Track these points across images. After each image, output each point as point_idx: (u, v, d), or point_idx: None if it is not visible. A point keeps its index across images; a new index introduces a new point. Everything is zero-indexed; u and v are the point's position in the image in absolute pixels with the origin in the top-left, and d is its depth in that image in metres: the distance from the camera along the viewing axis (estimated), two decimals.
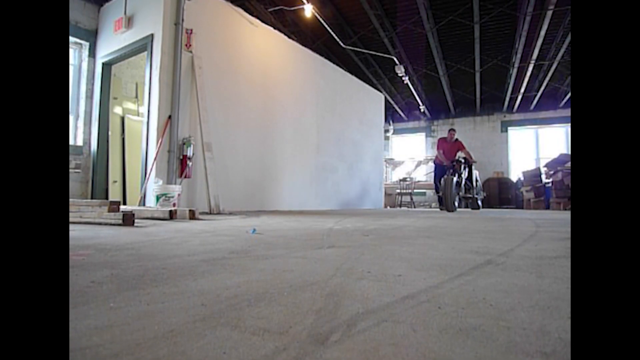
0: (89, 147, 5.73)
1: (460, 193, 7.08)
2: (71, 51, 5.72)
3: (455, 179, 6.54)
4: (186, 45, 5.03)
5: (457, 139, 7.50)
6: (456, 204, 6.62)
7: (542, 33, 7.44)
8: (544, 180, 10.46)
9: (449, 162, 6.98)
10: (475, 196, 7.88)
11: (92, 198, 5.50)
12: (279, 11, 7.65)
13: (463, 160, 7.27)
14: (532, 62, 8.74)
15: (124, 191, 5.83)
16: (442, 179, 6.53)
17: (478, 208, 8.26)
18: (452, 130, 7.59)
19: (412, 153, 14.23)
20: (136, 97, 6.49)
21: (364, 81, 9.98)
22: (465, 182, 7.39)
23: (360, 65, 9.97)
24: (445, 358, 0.50)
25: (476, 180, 8.16)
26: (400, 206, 11.34)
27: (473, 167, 7.82)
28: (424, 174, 12.93)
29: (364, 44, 9.23)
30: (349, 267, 1.14)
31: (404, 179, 11.56)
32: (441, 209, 7.32)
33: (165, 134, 4.70)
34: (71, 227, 2.42)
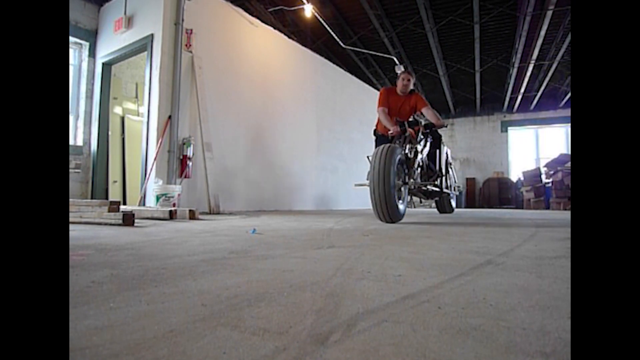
0: (89, 147, 5.73)
1: (412, 180, 3.56)
2: (71, 51, 5.71)
3: (399, 151, 3.21)
4: (186, 45, 5.03)
5: (414, 91, 4.15)
6: (401, 206, 3.18)
7: (542, 33, 7.44)
8: (544, 180, 10.46)
9: (397, 127, 3.68)
10: (445, 190, 4.60)
11: (92, 198, 5.50)
12: (279, 11, 7.65)
13: (422, 123, 4.03)
14: (532, 62, 8.75)
15: (124, 191, 5.82)
16: (374, 153, 3.16)
17: (451, 210, 5.41)
18: (405, 73, 4.07)
19: None
20: (136, 97, 6.49)
21: (364, 81, 9.99)
22: (428, 164, 4.15)
23: (360, 65, 9.98)
24: (445, 358, 0.50)
25: (447, 164, 4.99)
26: None
27: (442, 140, 4.54)
28: None
29: (364, 44, 9.23)
30: (349, 267, 1.14)
31: None
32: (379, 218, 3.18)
33: (165, 134, 4.70)
34: (71, 227, 2.42)
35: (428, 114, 3.99)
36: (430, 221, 3.56)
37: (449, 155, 5.29)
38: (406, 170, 3.46)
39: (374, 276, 1.00)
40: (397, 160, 3.12)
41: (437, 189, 4.30)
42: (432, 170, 4.25)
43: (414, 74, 4.42)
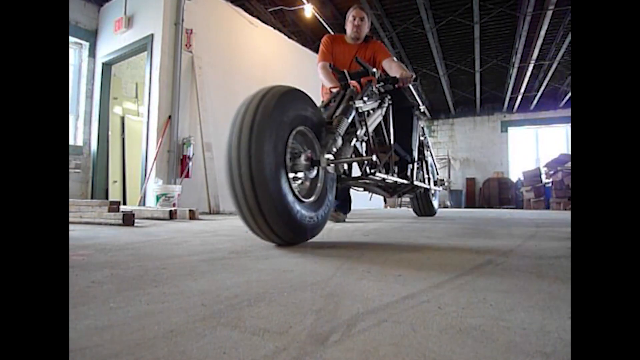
0: (89, 147, 5.73)
1: (326, 157, 1.65)
2: (71, 51, 5.72)
3: (304, 98, 1.55)
4: (186, 45, 5.03)
5: (370, 37, 3.06)
6: (305, 211, 1.53)
7: (542, 33, 7.44)
8: (544, 180, 10.46)
9: (335, 84, 2.57)
10: (419, 184, 3.23)
11: (92, 198, 5.50)
12: (279, 11, 7.65)
13: (378, 74, 2.49)
14: (532, 62, 8.75)
15: (124, 191, 5.83)
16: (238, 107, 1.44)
17: (433, 212, 4.12)
18: (356, 10, 2.96)
19: None
20: (136, 97, 6.49)
21: None
22: (393, 143, 2.73)
23: None
24: (445, 358, 0.50)
25: (424, 146, 3.66)
26: (400, 206, 11.34)
27: (417, 114, 3.22)
28: None
29: None
30: (349, 267, 1.14)
31: None
32: (253, 231, 1.47)
33: (165, 134, 4.70)
34: (71, 227, 2.42)
35: (391, 68, 2.75)
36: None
37: (426, 132, 3.83)
38: (324, 141, 1.74)
39: (374, 276, 1.00)
40: (297, 117, 1.53)
41: (404, 181, 2.86)
42: (392, 147, 2.71)
43: (368, 14, 3.00)
